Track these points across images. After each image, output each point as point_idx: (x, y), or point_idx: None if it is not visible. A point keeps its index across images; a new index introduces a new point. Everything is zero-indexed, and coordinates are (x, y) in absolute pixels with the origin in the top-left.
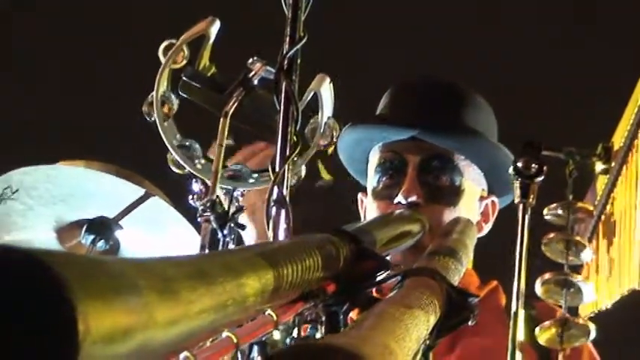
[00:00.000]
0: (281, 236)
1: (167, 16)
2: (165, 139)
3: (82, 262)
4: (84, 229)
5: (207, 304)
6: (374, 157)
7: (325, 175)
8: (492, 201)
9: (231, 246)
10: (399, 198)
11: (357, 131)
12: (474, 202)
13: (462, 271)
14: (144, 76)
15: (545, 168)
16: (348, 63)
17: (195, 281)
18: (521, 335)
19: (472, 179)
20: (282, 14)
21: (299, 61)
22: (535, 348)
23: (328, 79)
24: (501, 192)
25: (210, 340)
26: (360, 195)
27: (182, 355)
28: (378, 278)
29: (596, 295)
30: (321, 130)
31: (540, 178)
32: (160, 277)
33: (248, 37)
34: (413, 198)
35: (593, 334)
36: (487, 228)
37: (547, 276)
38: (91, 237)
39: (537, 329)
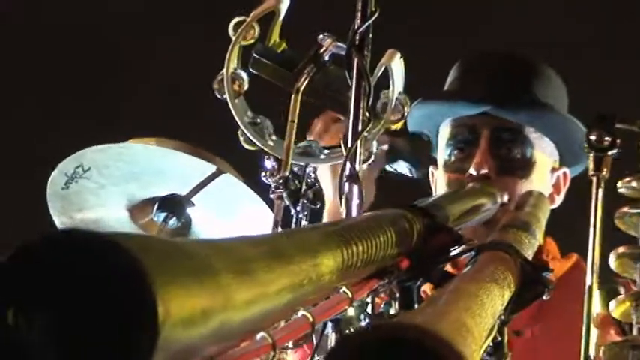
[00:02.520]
0: (354, 212)
1: None
2: (236, 117)
3: (160, 245)
4: (156, 206)
5: (284, 283)
6: (444, 131)
7: None
8: (564, 172)
9: (304, 223)
10: (471, 171)
11: (427, 106)
12: (545, 174)
13: (535, 244)
14: (214, 53)
15: (618, 141)
16: (418, 37)
17: (272, 261)
18: (597, 307)
19: (543, 151)
20: None
21: (370, 36)
22: (619, 322)
23: (399, 54)
24: (573, 163)
25: (286, 319)
26: (430, 168)
27: (259, 335)
28: (452, 253)
29: None
30: (392, 106)
31: (613, 151)
32: (236, 257)
33: (319, 12)
34: (484, 171)
35: None
36: (559, 200)
37: (621, 249)
38: (163, 215)
39: (612, 303)
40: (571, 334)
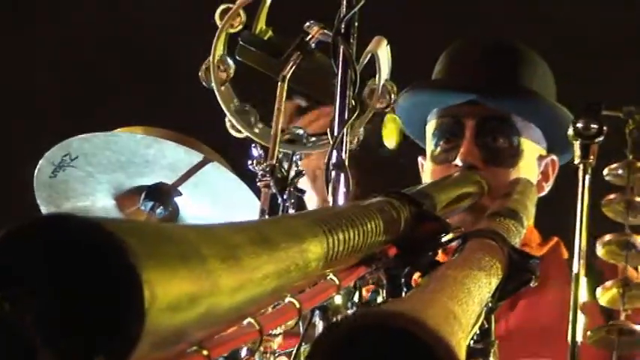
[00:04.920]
0: (341, 200)
1: None
2: (222, 104)
3: (147, 229)
4: (143, 195)
5: (271, 270)
6: (431, 122)
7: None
8: (552, 160)
9: (291, 211)
10: (457, 161)
11: (414, 96)
12: (533, 161)
13: (522, 232)
14: (201, 41)
15: (605, 128)
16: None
17: (258, 247)
18: (583, 294)
19: (531, 139)
20: None
21: (356, 24)
22: (597, 304)
23: (385, 42)
24: (561, 150)
25: (274, 305)
26: (419, 159)
27: (246, 321)
28: (439, 241)
29: None
30: (379, 93)
31: (600, 139)
32: (223, 243)
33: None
34: (471, 161)
35: None
36: (548, 187)
37: (607, 237)
38: (150, 203)
39: (599, 290)
40: (544, 317)
